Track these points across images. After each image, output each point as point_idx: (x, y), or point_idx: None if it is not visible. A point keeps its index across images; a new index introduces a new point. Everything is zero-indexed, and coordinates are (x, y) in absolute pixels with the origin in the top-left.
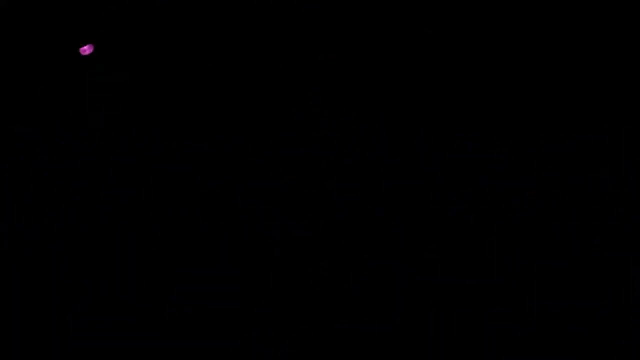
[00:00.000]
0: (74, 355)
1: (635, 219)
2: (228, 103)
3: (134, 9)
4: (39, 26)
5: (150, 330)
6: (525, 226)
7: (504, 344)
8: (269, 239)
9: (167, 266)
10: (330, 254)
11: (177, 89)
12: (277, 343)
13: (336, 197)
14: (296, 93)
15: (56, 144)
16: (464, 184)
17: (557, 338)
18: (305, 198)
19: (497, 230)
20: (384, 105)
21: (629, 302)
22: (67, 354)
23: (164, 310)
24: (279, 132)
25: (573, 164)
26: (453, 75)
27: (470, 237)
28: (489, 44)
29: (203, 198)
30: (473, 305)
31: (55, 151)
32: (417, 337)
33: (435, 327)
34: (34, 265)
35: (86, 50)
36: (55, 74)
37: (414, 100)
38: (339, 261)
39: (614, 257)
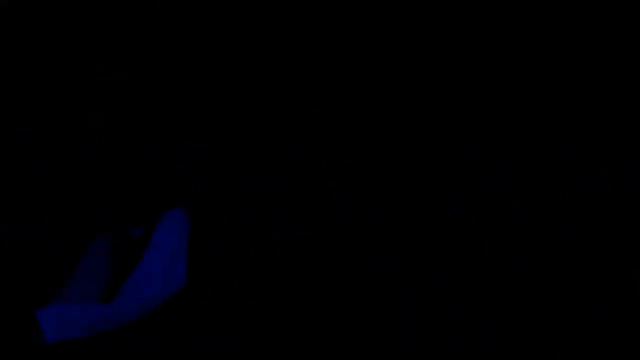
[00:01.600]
0: (74, 355)
1: (635, 219)
2: (228, 103)
3: (134, 9)
4: (39, 26)
5: (150, 331)
6: (525, 226)
7: (504, 344)
8: (269, 239)
9: None
10: (330, 254)
11: (177, 89)
12: (277, 343)
13: (336, 197)
14: (296, 93)
15: (56, 144)
16: (464, 184)
17: (557, 338)
18: (305, 198)
19: (497, 230)
20: (384, 105)
21: (629, 302)
22: (67, 353)
23: (164, 310)
24: (279, 132)
25: (573, 164)
26: (453, 75)
27: (470, 237)
28: (489, 44)
29: (203, 198)
30: (473, 305)
31: (55, 151)
32: (417, 337)
33: (436, 327)
34: (34, 265)
35: None
36: (55, 74)
37: (414, 100)
38: (339, 261)
39: (614, 257)
